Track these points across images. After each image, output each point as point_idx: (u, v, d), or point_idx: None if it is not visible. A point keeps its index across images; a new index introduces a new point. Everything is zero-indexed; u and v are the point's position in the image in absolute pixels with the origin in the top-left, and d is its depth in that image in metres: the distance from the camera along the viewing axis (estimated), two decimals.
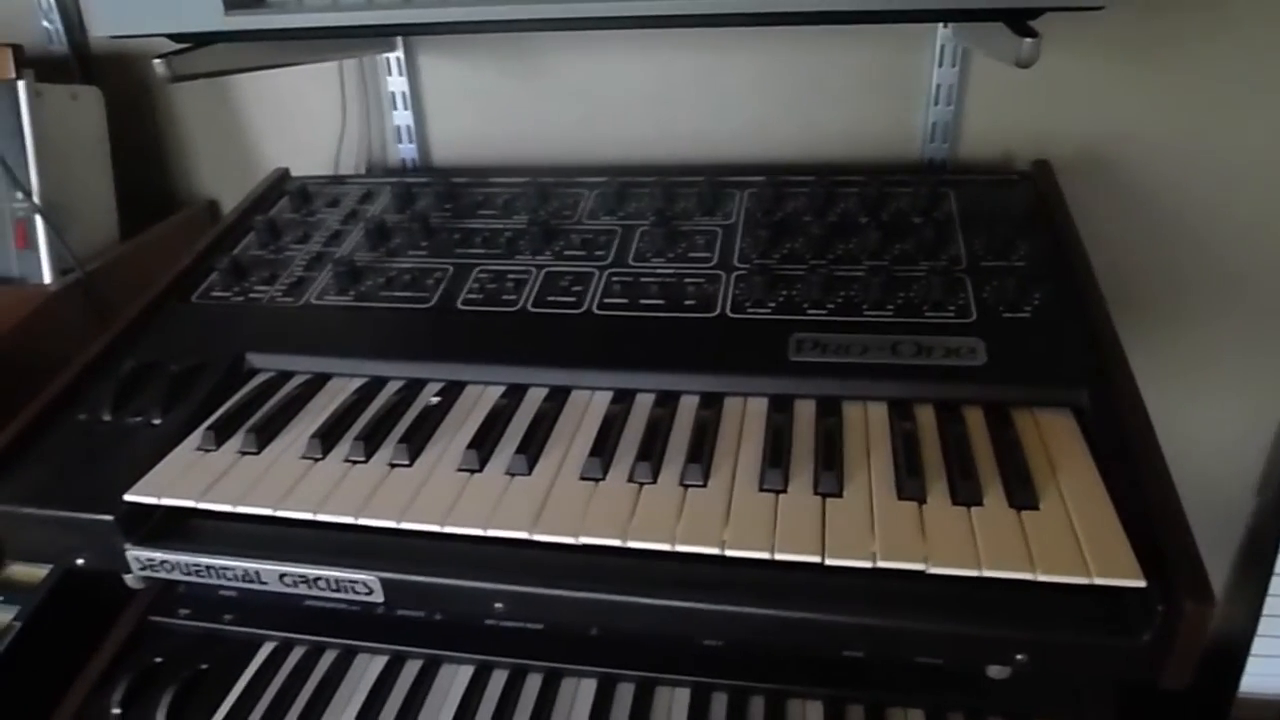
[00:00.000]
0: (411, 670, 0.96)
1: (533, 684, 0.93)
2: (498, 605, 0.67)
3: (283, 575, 0.71)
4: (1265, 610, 1.21)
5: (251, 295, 0.96)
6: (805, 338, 0.79)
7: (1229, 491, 1.28)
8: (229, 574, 0.71)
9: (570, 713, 0.90)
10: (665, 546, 0.64)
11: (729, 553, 0.63)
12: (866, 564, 0.61)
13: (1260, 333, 1.18)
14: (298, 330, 0.90)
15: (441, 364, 0.84)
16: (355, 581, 0.69)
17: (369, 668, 0.96)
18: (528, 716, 0.89)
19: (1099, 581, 0.59)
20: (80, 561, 0.75)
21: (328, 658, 0.97)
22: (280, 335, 0.89)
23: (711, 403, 0.78)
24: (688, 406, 0.78)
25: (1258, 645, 1.22)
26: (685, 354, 0.81)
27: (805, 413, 0.76)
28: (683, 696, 0.91)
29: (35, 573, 1.13)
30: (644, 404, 0.79)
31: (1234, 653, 1.25)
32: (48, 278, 1.09)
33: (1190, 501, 1.23)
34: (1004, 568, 0.60)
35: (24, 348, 1.00)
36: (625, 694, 0.92)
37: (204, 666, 0.97)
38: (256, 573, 0.71)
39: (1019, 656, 0.61)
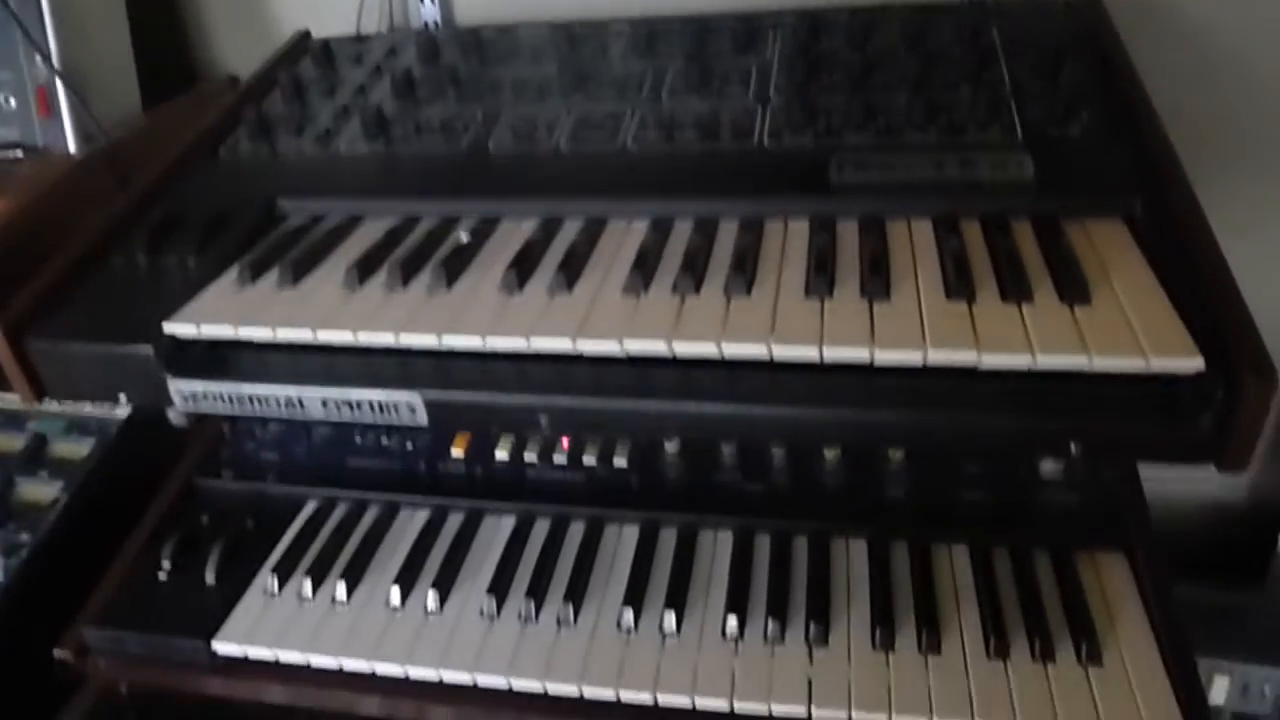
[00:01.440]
0: (454, 522, 0.97)
1: (575, 531, 0.94)
2: (542, 419, 0.67)
3: (325, 401, 0.70)
4: None
5: (279, 148, 0.94)
6: (846, 159, 0.77)
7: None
8: (272, 402, 0.71)
9: (614, 558, 0.91)
10: (711, 348, 0.63)
11: (776, 352, 0.62)
12: (917, 358, 0.60)
13: None
14: (328, 176, 0.89)
15: (475, 200, 0.83)
16: (398, 403, 0.69)
17: (412, 521, 0.97)
18: (571, 563, 0.90)
19: (1155, 364, 0.57)
20: (123, 398, 0.75)
21: (371, 514, 0.98)
22: (310, 181, 0.88)
23: (751, 227, 0.77)
24: (727, 231, 0.77)
25: None
26: (723, 181, 0.79)
27: (848, 231, 0.75)
28: (726, 539, 0.92)
29: (79, 450, 1.15)
30: (683, 230, 0.78)
31: (1274, 512, 1.24)
32: (72, 146, 1.08)
33: None
34: (1057, 355, 0.59)
35: (50, 217, 1.00)
36: (668, 538, 0.92)
37: (249, 524, 0.98)
38: (299, 399, 0.71)
39: (1073, 447, 0.60)
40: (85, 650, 0.90)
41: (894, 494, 0.91)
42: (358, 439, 1.03)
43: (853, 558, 0.88)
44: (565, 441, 0.98)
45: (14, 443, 1.17)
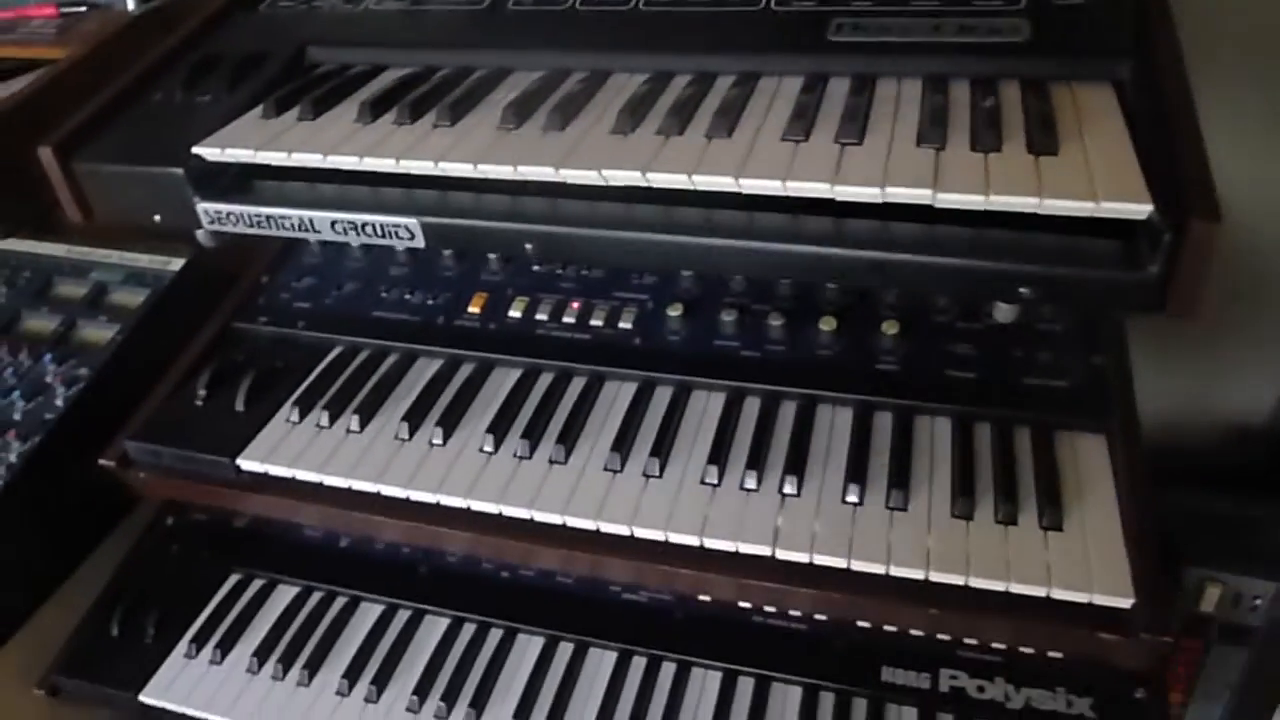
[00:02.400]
0: (465, 371, 1.03)
1: (576, 385, 0.99)
2: (528, 247, 0.71)
3: (334, 223, 0.76)
4: None
5: (314, 4, 0.99)
6: (845, 21, 0.79)
7: None
8: (287, 223, 0.77)
9: (609, 411, 0.96)
10: (683, 179, 0.66)
11: (743, 185, 0.65)
12: (875, 194, 0.63)
13: None
14: (356, 28, 0.94)
15: (490, 51, 0.87)
16: (398, 226, 0.74)
17: (427, 368, 1.03)
18: (568, 412, 0.95)
19: (1105, 206, 0.59)
20: (157, 219, 0.82)
21: (390, 360, 1.05)
22: (340, 31, 0.93)
23: (746, 81, 0.79)
24: (724, 84, 0.79)
25: None
26: (724, 38, 0.82)
27: (838, 89, 0.77)
28: (717, 400, 0.96)
29: (135, 298, 1.24)
30: (679, 83, 0.80)
31: None
32: (130, 3, 1.15)
33: (1260, 281, 1.19)
34: (1010, 195, 0.61)
35: (107, 64, 1.06)
36: (663, 396, 0.97)
37: (279, 364, 1.05)
38: (311, 221, 0.76)
39: (1023, 290, 0.62)
40: (127, 461, 0.99)
41: (884, 367, 0.93)
42: (383, 293, 1.09)
43: (837, 423, 0.92)
44: (575, 304, 1.03)
45: (78, 290, 1.27)
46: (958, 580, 0.77)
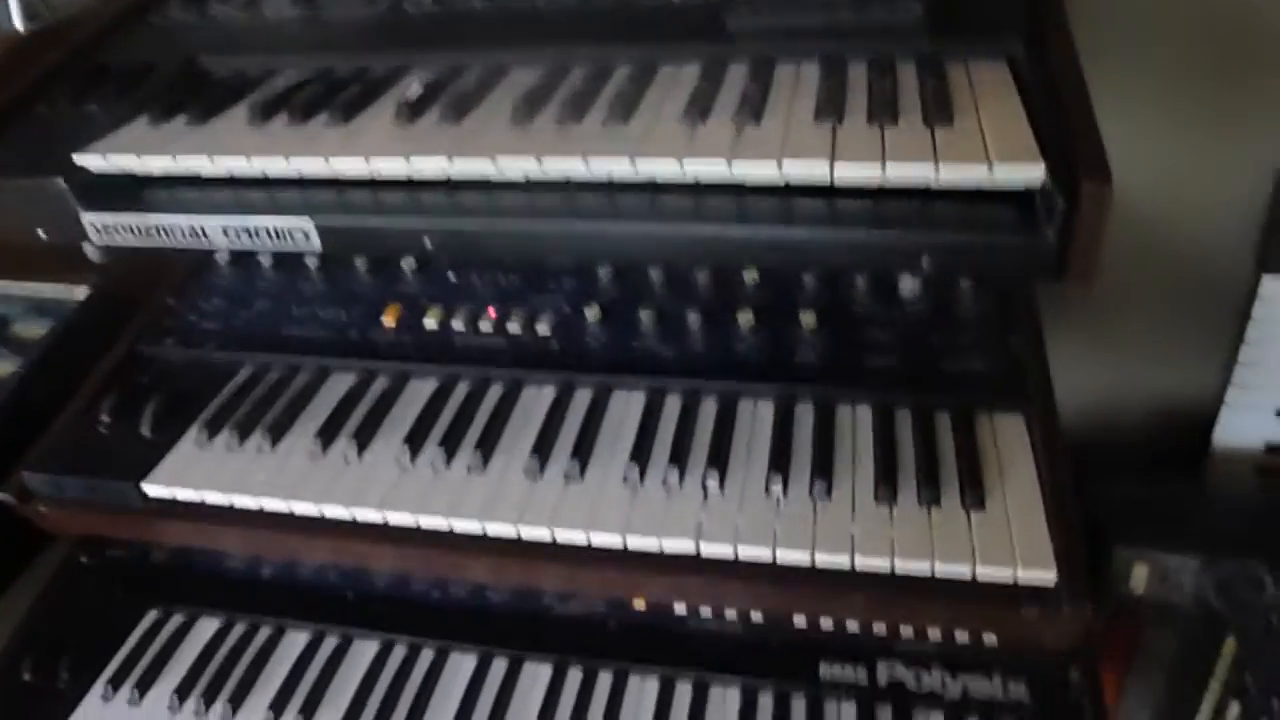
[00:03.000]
0: (380, 384, 1.00)
1: (495, 392, 0.97)
2: (426, 242, 0.69)
3: (226, 229, 0.73)
4: (1240, 358, 1.21)
5: (208, 14, 0.97)
6: (744, 10, 0.79)
7: (1221, 249, 1.26)
8: (177, 232, 0.74)
9: (529, 415, 0.94)
10: (578, 163, 0.65)
11: (640, 166, 0.64)
12: (772, 169, 0.62)
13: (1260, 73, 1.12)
14: (251, 36, 0.91)
15: (386, 53, 0.85)
16: (293, 229, 0.72)
17: (340, 383, 1.01)
18: (486, 418, 0.93)
19: (999, 172, 0.59)
20: (42, 234, 0.78)
21: (302, 377, 1.02)
22: (232, 40, 0.91)
23: (645, 70, 0.79)
24: (621, 74, 0.79)
25: (1231, 396, 1.23)
26: (622, 30, 0.81)
27: (738, 74, 0.76)
28: (637, 399, 0.95)
29: (37, 329, 1.19)
30: (576, 75, 0.79)
31: (1212, 410, 1.26)
32: (19, 23, 1.11)
33: (1176, 268, 1.21)
34: (907, 164, 0.60)
35: None
36: (583, 398, 0.95)
37: (187, 386, 1.02)
38: (202, 228, 0.74)
39: (924, 261, 0.62)
40: (27, 494, 0.94)
41: (803, 358, 0.93)
42: (294, 310, 1.06)
43: (758, 416, 0.91)
44: (491, 311, 1.01)
45: None
46: (883, 565, 0.77)
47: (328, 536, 0.87)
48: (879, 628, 1.03)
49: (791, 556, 0.78)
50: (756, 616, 1.04)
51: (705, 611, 1.05)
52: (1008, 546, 0.76)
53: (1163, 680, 1.22)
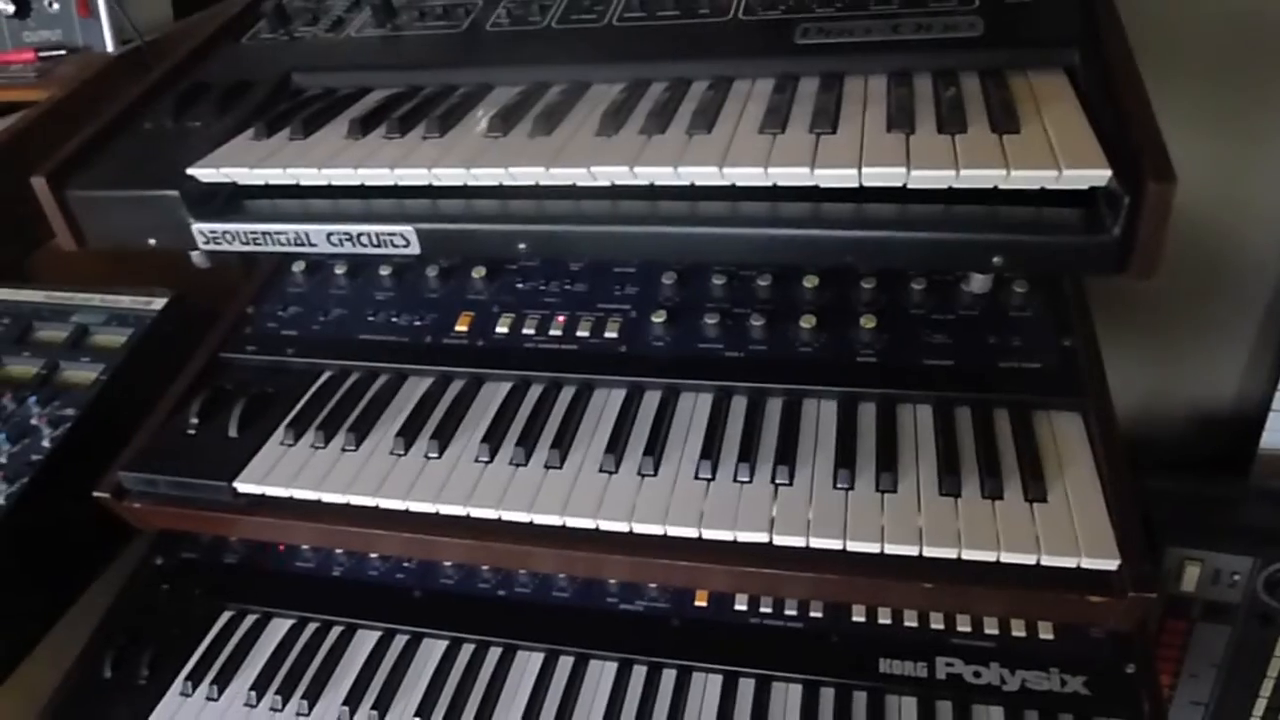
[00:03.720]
0: (456, 387, 1.04)
1: (566, 394, 1.01)
2: (521, 246, 0.74)
3: (330, 235, 0.78)
4: None
5: (296, 35, 1.02)
6: (811, 26, 0.83)
7: (1266, 251, 1.28)
8: (282, 238, 0.79)
9: (600, 416, 0.98)
10: (668, 171, 0.69)
11: (726, 173, 0.68)
12: (852, 174, 0.66)
13: None
14: (340, 54, 0.97)
15: (470, 69, 0.90)
16: (393, 234, 0.76)
17: (418, 386, 1.05)
18: (559, 418, 0.97)
19: (1067, 174, 0.63)
20: (152, 243, 0.83)
21: (380, 381, 1.06)
22: (323, 58, 0.96)
23: (721, 84, 0.83)
24: (699, 88, 0.83)
25: (1278, 400, 1.25)
26: (697, 47, 0.86)
27: (808, 87, 0.81)
28: (704, 400, 0.98)
29: (117, 339, 1.25)
30: (656, 89, 0.84)
31: (1258, 411, 1.28)
32: (110, 45, 1.17)
33: (1220, 270, 1.24)
34: (979, 169, 0.64)
35: (87, 105, 1.08)
36: (651, 400, 0.99)
37: (270, 390, 1.06)
38: (306, 234, 0.78)
39: (996, 260, 0.66)
40: (122, 492, 0.99)
41: (865, 359, 0.96)
42: (370, 317, 1.11)
43: (822, 416, 0.94)
44: (561, 317, 1.05)
45: (59, 333, 1.28)
46: (950, 554, 0.80)
47: (410, 529, 0.91)
48: (937, 624, 1.05)
49: (862, 547, 0.81)
50: (816, 613, 1.07)
51: (766, 608, 1.08)
52: (1071, 535, 0.79)
53: (1215, 678, 1.24)
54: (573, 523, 0.86)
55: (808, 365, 0.96)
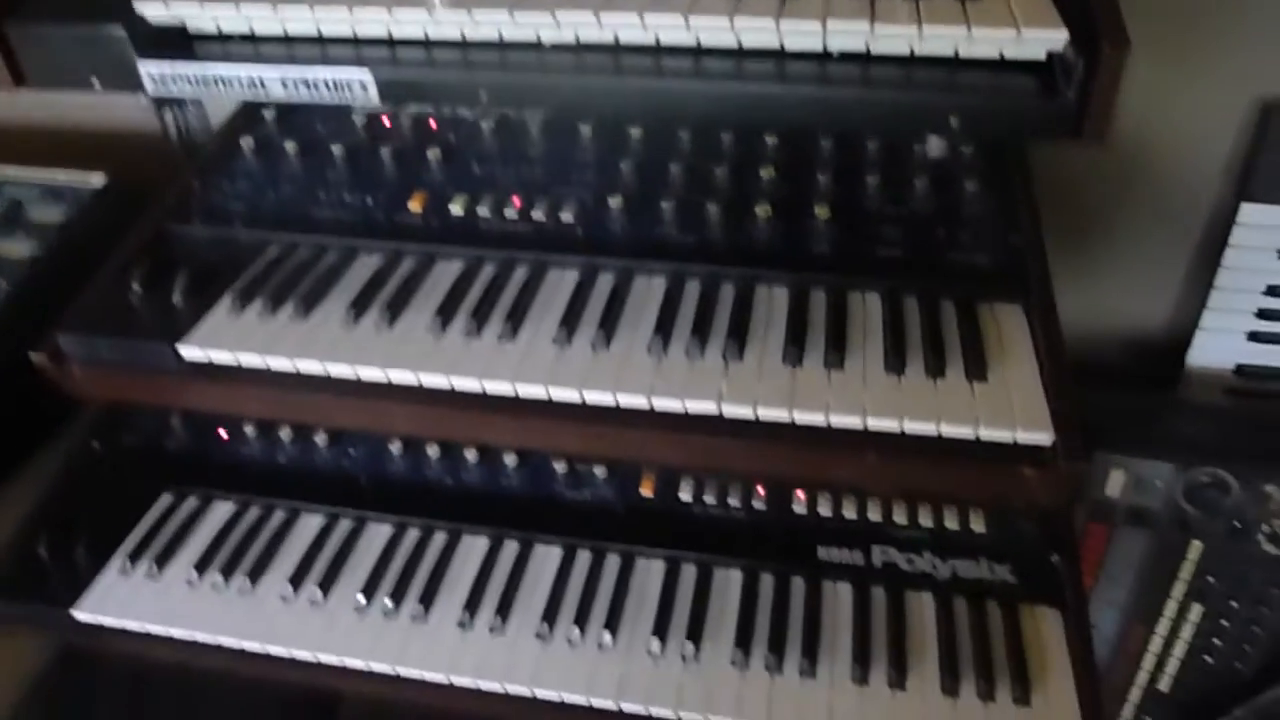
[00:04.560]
0: (408, 265, 1.03)
1: (520, 274, 1.01)
2: (482, 94, 0.73)
3: (284, 80, 0.76)
4: (1216, 282, 1.28)
5: None
6: None
7: (1201, 178, 1.32)
8: (235, 83, 0.77)
9: (554, 294, 0.98)
10: (633, 18, 0.69)
11: (692, 23, 0.68)
12: (816, 28, 0.67)
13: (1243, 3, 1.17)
14: None
15: None
16: (351, 81, 0.75)
17: (368, 263, 1.04)
18: (514, 295, 0.97)
19: (1026, 34, 0.64)
20: (95, 82, 0.80)
21: (330, 256, 1.05)
22: None
23: None
24: None
25: (1206, 319, 1.30)
26: None
27: None
28: (659, 283, 0.99)
29: (53, 214, 1.21)
30: None
31: (1188, 334, 1.33)
32: None
33: (1156, 196, 1.27)
34: (941, 25, 0.65)
35: None
36: (606, 281, 0.99)
37: (216, 260, 1.04)
38: (260, 79, 0.76)
39: (953, 121, 0.67)
40: (61, 356, 0.96)
41: (818, 249, 0.98)
42: (320, 194, 1.09)
43: (775, 300, 0.96)
44: (516, 199, 1.05)
45: None
46: (892, 426, 0.82)
47: (361, 398, 0.90)
48: (875, 515, 1.09)
49: (808, 418, 0.83)
50: (759, 503, 1.10)
51: (710, 498, 1.10)
52: (1008, 410, 0.82)
53: (1131, 581, 1.30)
54: (524, 391, 0.87)
55: (762, 252, 0.97)
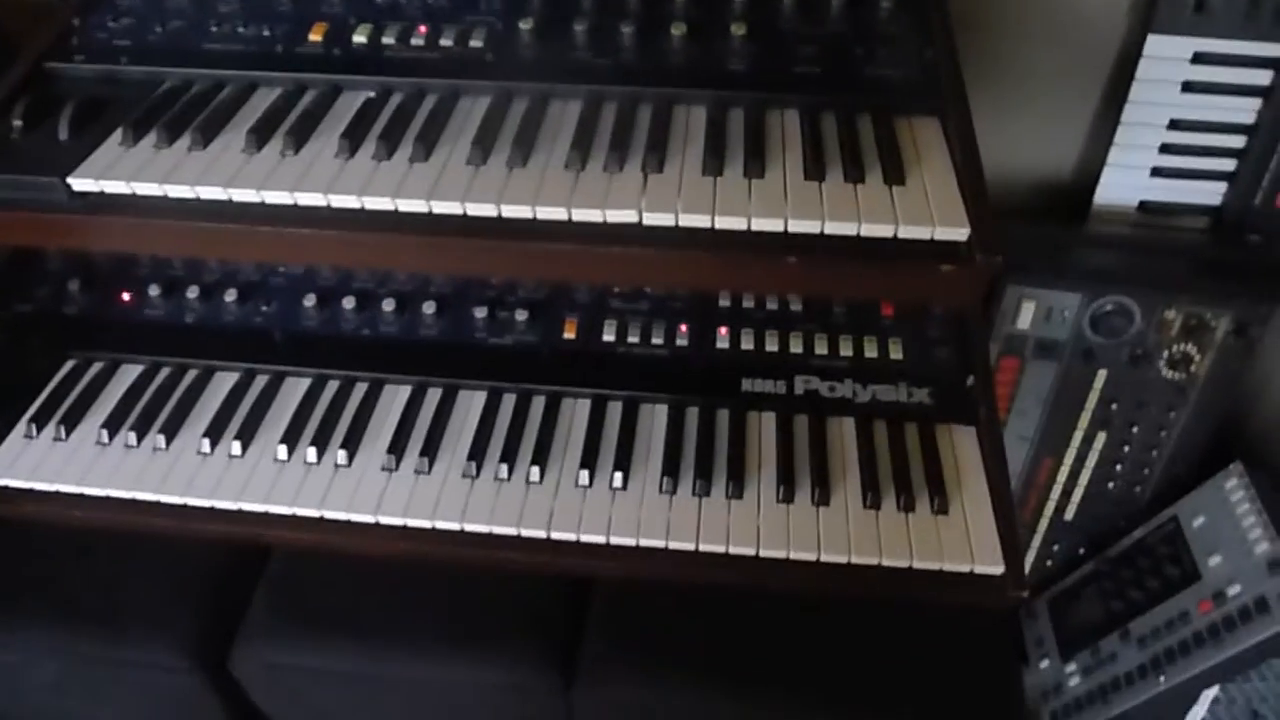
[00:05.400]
0: (311, 95, 0.99)
1: (428, 103, 0.97)
2: None
3: None
4: (1122, 118, 1.30)
5: None
6: None
7: (1109, 13, 1.33)
8: None
9: (465, 121, 0.95)
10: None
11: None
12: None
13: None
14: None
15: None
16: None
17: (269, 95, 0.99)
18: (421, 123, 0.94)
19: None
20: None
21: (227, 90, 1.00)
22: None
23: None
24: None
25: (1113, 155, 1.33)
26: None
27: None
28: (575, 106, 0.97)
29: None
30: None
31: (1095, 169, 1.36)
32: None
33: (1067, 35, 1.28)
34: None
35: None
36: (519, 106, 0.97)
37: (103, 98, 0.98)
38: None
39: None
40: None
41: (735, 67, 0.96)
42: (213, 28, 1.03)
43: (692, 119, 0.94)
44: (422, 28, 1.00)
45: None
46: (813, 228, 0.82)
47: (268, 224, 0.87)
48: (796, 348, 1.10)
49: (729, 223, 0.83)
50: (682, 341, 1.10)
51: (633, 338, 1.10)
52: (926, 210, 0.83)
53: (1040, 413, 1.35)
54: (440, 208, 0.85)
55: (678, 71, 0.96)
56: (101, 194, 0.88)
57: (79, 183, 0.88)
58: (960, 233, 0.81)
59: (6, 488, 1.03)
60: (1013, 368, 1.31)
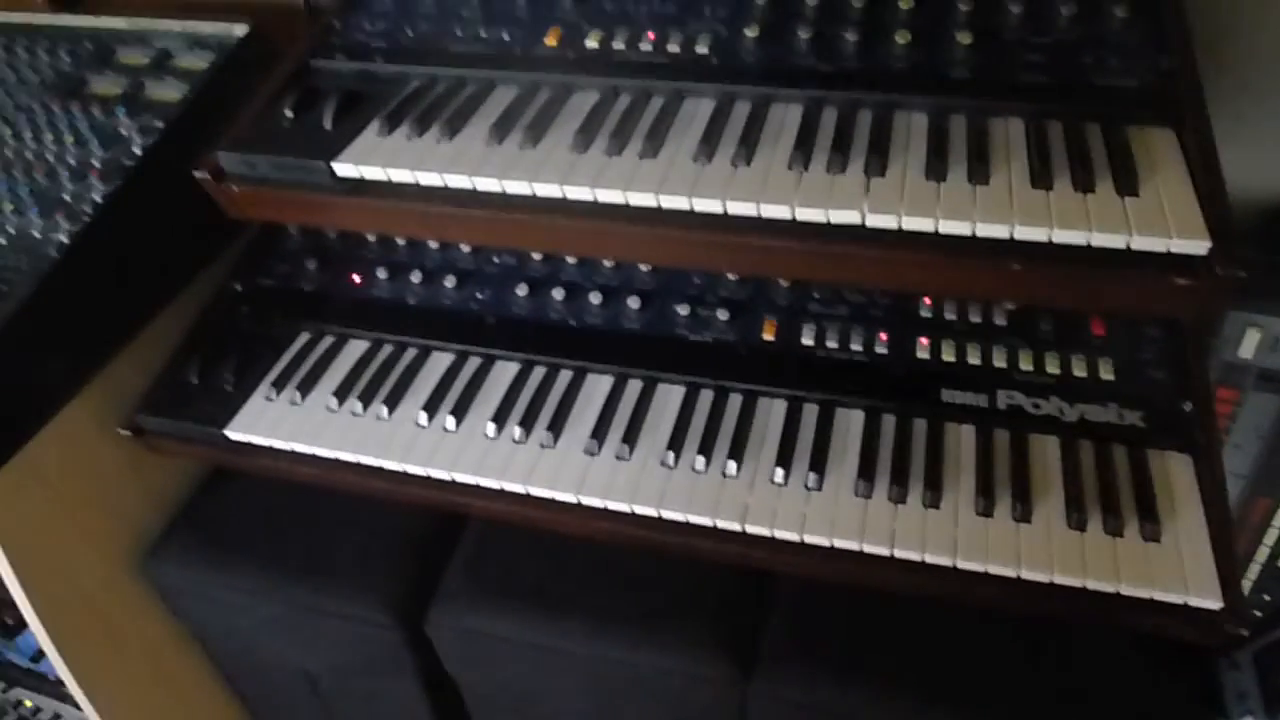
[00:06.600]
0: (545, 93, 1.05)
1: (655, 104, 1.01)
2: None
3: None
4: None
5: None
6: None
7: None
8: None
9: (692, 120, 0.98)
10: None
11: None
12: None
13: None
14: None
15: None
16: None
17: (508, 93, 1.06)
18: (652, 119, 0.97)
19: None
20: None
21: (470, 87, 1.07)
22: None
23: None
24: None
25: None
26: None
27: None
28: (795, 110, 0.99)
29: (200, 62, 1.25)
30: None
31: None
32: None
33: None
34: None
35: None
36: (742, 109, 0.99)
37: (360, 92, 1.07)
38: None
39: None
40: (221, 173, 1.01)
41: (958, 75, 0.96)
42: (458, 30, 1.11)
43: (914, 126, 0.95)
44: (651, 34, 1.05)
45: (142, 57, 1.30)
46: (1041, 235, 0.81)
47: (506, 210, 0.93)
48: (1000, 362, 1.08)
49: (953, 228, 0.83)
50: (881, 348, 1.10)
51: (832, 342, 1.11)
52: (1162, 221, 0.80)
53: (1258, 450, 1.27)
54: (667, 203, 0.88)
55: (899, 77, 0.96)
56: (360, 179, 0.97)
57: (341, 167, 0.97)
58: (1200, 245, 0.79)
59: (249, 443, 1.13)
60: (1230, 398, 1.24)
